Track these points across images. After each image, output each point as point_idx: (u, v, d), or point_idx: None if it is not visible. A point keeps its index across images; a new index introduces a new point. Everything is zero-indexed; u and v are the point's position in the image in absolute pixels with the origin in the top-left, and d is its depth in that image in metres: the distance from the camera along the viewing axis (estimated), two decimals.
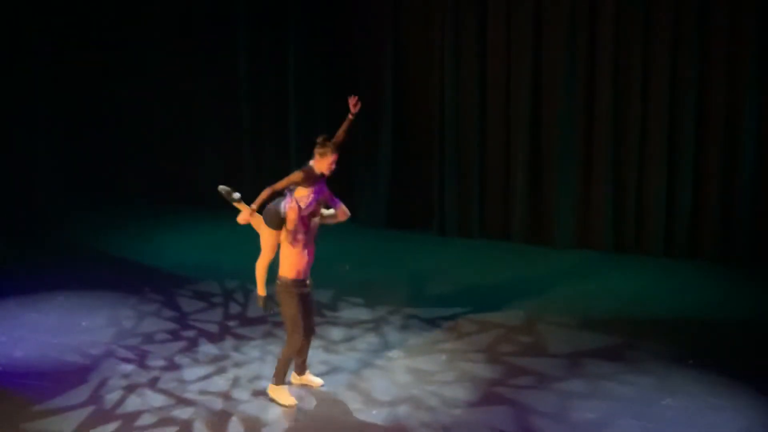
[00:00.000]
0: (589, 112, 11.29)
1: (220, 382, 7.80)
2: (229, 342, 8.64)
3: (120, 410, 7.30)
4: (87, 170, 13.96)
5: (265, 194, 7.14)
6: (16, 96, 13.26)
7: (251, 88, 13.07)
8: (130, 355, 8.36)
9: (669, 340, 8.64)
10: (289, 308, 7.28)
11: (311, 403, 7.45)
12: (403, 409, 7.33)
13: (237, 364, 8.15)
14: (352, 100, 7.39)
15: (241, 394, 7.59)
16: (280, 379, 7.44)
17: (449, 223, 12.08)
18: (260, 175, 12.60)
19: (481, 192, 11.92)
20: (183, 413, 7.26)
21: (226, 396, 7.56)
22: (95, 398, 7.50)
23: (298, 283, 7.27)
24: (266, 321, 8.96)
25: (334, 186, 12.15)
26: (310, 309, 7.47)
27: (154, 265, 10.94)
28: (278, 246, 7.34)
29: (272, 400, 7.41)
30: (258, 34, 12.95)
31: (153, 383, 7.77)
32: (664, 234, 11.10)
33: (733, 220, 10.81)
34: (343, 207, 7.51)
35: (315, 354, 8.28)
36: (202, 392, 7.62)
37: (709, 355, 8.30)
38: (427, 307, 9.52)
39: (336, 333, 8.86)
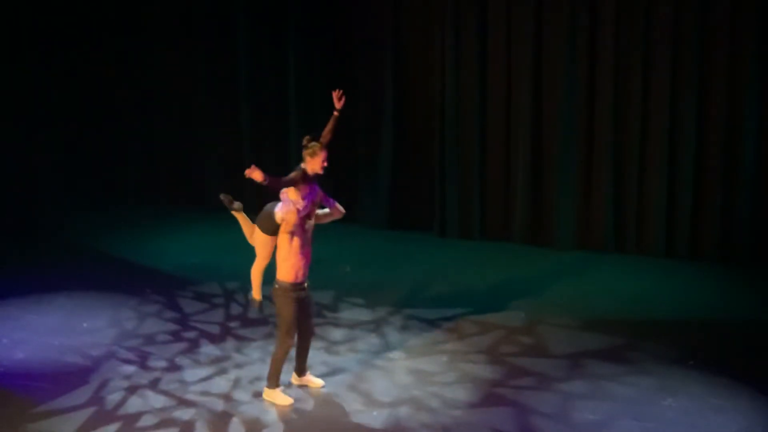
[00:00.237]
0: (590, 112, 11.29)
1: (221, 383, 7.80)
2: (230, 343, 8.65)
3: (121, 411, 7.31)
4: (87, 171, 13.96)
5: (276, 185, 7.08)
6: (16, 96, 13.26)
7: (251, 88, 13.07)
8: (131, 356, 8.36)
9: (670, 340, 8.64)
10: (286, 312, 7.28)
11: (312, 404, 7.45)
12: (403, 410, 7.33)
13: (238, 365, 8.15)
14: (336, 95, 7.38)
15: (242, 395, 7.59)
16: (273, 381, 7.45)
17: (450, 224, 12.08)
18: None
19: (481, 193, 11.92)
20: (184, 414, 7.26)
21: (227, 397, 7.56)
22: (96, 399, 7.51)
23: (296, 286, 7.27)
24: (267, 322, 8.96)
25: (336, 187, 12.28)
26: (308, 311, 7.48)
27: (155, 266, 10.95)
28: (273, 251, 7.34)
29: (269, 403, 7.42)
30: (258, 34, 12.96)
31: (154, 384, 7.78)
32: (664, 235, 11.10)
33: (733, 221, 10.82)
34: (337, 205, 7.53)
35: (316, 355, 8.28)
36: (203, 393, 7.62)
37: (709, 355, 8.30)
38: (428, 308, 9.52)
39: (337, 334, 8.86)
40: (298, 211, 7.14)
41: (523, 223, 11.70)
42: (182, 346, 8.59)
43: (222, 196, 7.52)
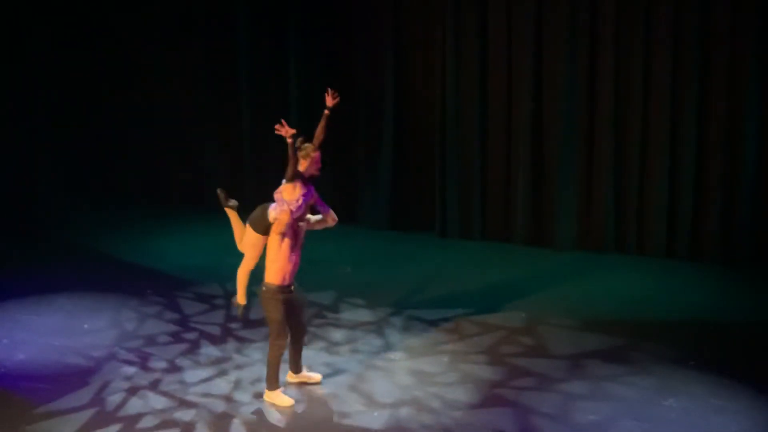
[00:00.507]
0: (590, 113, 11.28)
1: (222, 385, 7.80)
2: (230, 344, 8.65)
3: (122, 412, 7.31)
4: (87, 171, 13.96)
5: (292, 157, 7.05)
6: (17, 97, 13.28)
7: (251, 88, 13.07)
8: (131, 357, 8.36)
9: (670, 341, 8.64)
10: (275, 314, 7.29)
11: (313, 405, 7.46)
12: (404, 411, 7.33)
13: (239, 367, 8.15)
14: (329, 95, 7.35)
15: (243, 396, 7.59)
16: (272, 383, 7.45)
17: (450, 225, 12.07)
18: (260, 175, 12.61)
19: (482, 193, 11.91)
20: (185, 415, 7.26)
21: (227, 398, 7.56)
22: (97, 400, 7.50)
23: (284, 288, 7.27)
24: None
25: (336, 187, 12.29)
26: (298, 311, 7.49)
27: (155, 267, 10.94)
28: (262, 253, 7.34)
29: (271, 405, 7.42)
30: (258, 34, 12.95)
31: (155, 385, 7.77)
32: (665, 235, 11.09)
33: (734, 222, 10.81)
34: (331, 212, 7.51)
35: (317, 356, 8.29)
36: (204, 394, 7.62)
37: (710, 356, 8.30)
38: (429, 308, 9.52)
39: (337, 335, 8.86)
40: (292, 212, 7.13)
41: (523, 224, 11.70)
42: (183, 347, 8.59)
43: (219, 191, 7.53)
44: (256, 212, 7.31)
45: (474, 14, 11.55)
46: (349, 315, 9.37)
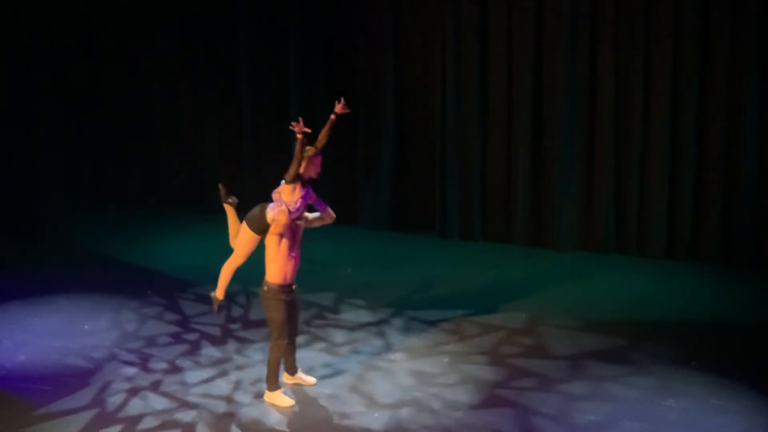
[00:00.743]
0: (591, 113, 11.29)
1: (223, 385, 7.80)
2: (231, 345, 8.65)
3: (122, 413, 7.31)
4: (88, 172, 13.96)
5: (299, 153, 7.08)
6: (17, 97, 13.28)
7: (252, 88, 13.08)
8: (132, 358, 8.36)
9: (671, 341, 8.64)
10: (277, 315, 7.29)
11: (313, 406, 7.46)
12: (405, 412, 7.34)
13: (239, 367, 8.15)
14: (339, 104, 7.32)
15: (244, 396, 7.59)
16: (272, 384, 7.46)
17: (451, 226, 12.08)
18: (260, 175, 12.62)
19: (482, 194, 11.92)
20: (185, 416, 7.26)
21: (228, 399, 7.56)
22: (98, 401, 7.51)
23: (285, 288, 7.28)
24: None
25: (336, 188, 12.29)
26: (295, 312, 7.50)
27: (156, 268, 10.94)
28: (251, 254, 7.35)
29: (271, 406, 7.42)
30: (258, 35, 12.96)
31: (155, 386, 7.78)
32: (665, 236, 11.10)
33: (734, 222, 10.81)
34: (329, 210, 7.52)
35: (317, 356, 8.30)
36: (205, 395, 7.63)
37: (711, 356, 8.31)
38: (429, 309, 9.52)
39: (338, 335, 8.86)
40: (290, 212, 7.13)
41: (524, 224, 11.70)
42: (183, 348, 8.59)
43: (220, 186, 7.56)
44: (255, 211, 7.30)
45: (474, 14, 11.55)
46: (349, 316, 9.37)
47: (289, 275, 7.27)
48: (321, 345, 8.59)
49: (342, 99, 7.36)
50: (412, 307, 9.59)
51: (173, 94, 13.64)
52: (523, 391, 7.70)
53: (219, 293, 7.63)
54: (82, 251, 11.66)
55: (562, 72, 11.24)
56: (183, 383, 7.84)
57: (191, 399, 7.55)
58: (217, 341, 8.72)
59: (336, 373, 8.02)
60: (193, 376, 7.98)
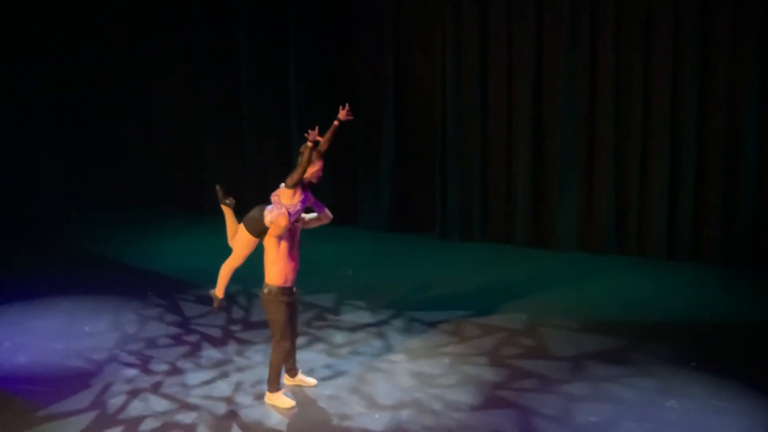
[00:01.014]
0: (591, 113, 11.29)
1: (223, 387, 7.80)
2: (231, 346, 8.65)
3: (123, 415, 7.31)
4: (88, 173, 13.96)
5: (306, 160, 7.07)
6: (17, 97, 13.28)
7: (252, 89, 13.08)
8: (133, 359, 8.36)
9: (672, 342, 8.64)
10: (279, 317, 7.30)
11: (314, 407, 7.46)
12: (406, 413, 7.33)
13: (240, 369, 8.15)
14: (344, 110, 7.31)
15: (244, 398, 7.59)
16: (273, 385, 7.46)
17: (451, 226, 12.08)
18: (260, 176, 12.61)
19: (482, 195, 11.92)
20: (186, 418, 7.26)
21: (229, 400, 7.56)
22: (98, 403, 7.51)
23: (286, 290, 7.28)
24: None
25: (336, 189, 12.28)
26: (294, 315, 7.49)
27: (156, 269, 10.94)
28: (250, 256, 7.34)
29: (272, 407, 7.42)
30: (259, 36, 12.96)
31: (156, 388, 7.78)
32: (666, 236, 11.10)
33: (735, 222, 10.81)
34: (326, 210, 7.54)
35: (318, 358, 8.30)
36: (205, 397, 7.62)
37: (712, 357, 8.30)
38: (430, 310, 9.52)
39: (338, 336, 8.86)
40: (289, 215, 7.12)
41: (524, 225, 11.70)
42: (184, 349, 8.59)
43: (218, 188, 7.56)
44: (253, 213, 7.29)
45: (474, 14, 11.55)
46: (349, 317, 9.37)
47: (290, 277, 7.27)
48: (321, 346, 8.59)
49: (347, 105, 7.35)
50: (412, 308, 9.59)
51: (173, 94, 13.65)
52: (523, 392, 7.69)
53: (218, 292, 7.63)
54: (83, 252, 11.66)
55: (562, 72, 11.24)
56: (183, 385, 7.84)
57: (192, 400, 7.55)
58: (217, 343, 8.72)
59: (336, 374, 8.02)
60: (193, 377, 7.98)
